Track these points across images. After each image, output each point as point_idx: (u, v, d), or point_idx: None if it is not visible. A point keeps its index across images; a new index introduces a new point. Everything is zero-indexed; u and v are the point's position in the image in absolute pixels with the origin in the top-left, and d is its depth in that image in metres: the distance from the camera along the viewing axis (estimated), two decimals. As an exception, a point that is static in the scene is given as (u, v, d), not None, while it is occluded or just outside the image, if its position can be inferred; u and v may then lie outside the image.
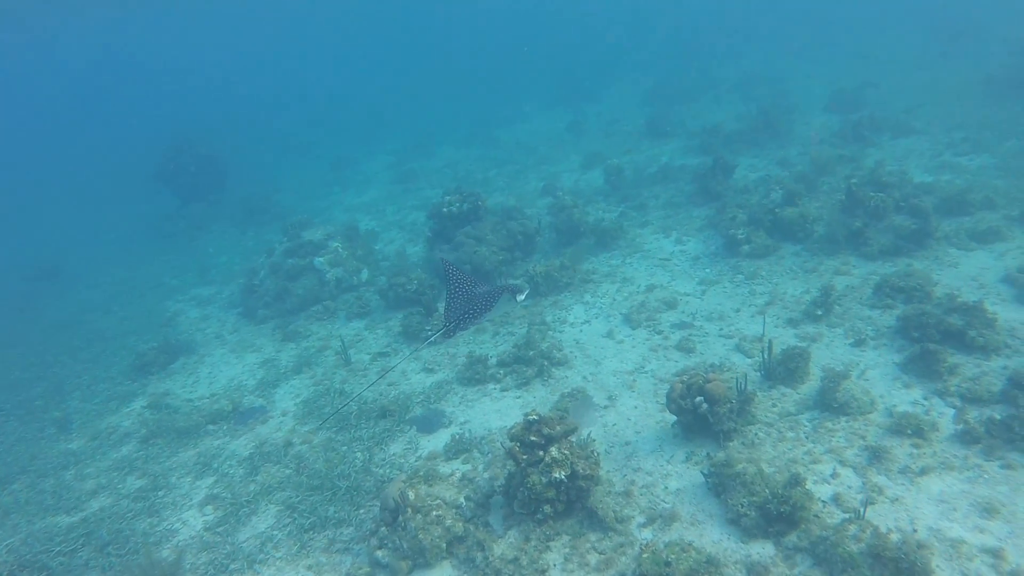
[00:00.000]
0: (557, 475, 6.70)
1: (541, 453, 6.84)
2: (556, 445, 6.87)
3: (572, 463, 6.76)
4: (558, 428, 7.07)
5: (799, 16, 33.26)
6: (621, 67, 32.61)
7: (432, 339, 7.88)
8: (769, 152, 16.82)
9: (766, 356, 8.44)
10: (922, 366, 8.02)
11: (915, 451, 6.83)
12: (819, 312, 9.54)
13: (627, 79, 30.20)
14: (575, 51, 38.00)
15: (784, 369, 8.38)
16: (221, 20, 46.91)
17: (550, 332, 10.86)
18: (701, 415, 7.46)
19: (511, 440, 6.94)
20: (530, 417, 7.12)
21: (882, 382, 8.08)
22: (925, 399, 7.64)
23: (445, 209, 13.52)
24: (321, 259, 14.02)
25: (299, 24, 63.83)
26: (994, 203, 11.49)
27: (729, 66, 28.13)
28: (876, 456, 6.83)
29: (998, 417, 6.95)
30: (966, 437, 6.82)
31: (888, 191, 12.02)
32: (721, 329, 9.94)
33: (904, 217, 11.07)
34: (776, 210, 12.10)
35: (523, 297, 7.37)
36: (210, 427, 10.30)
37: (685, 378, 7.75)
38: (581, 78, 30.08)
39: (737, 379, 8.06)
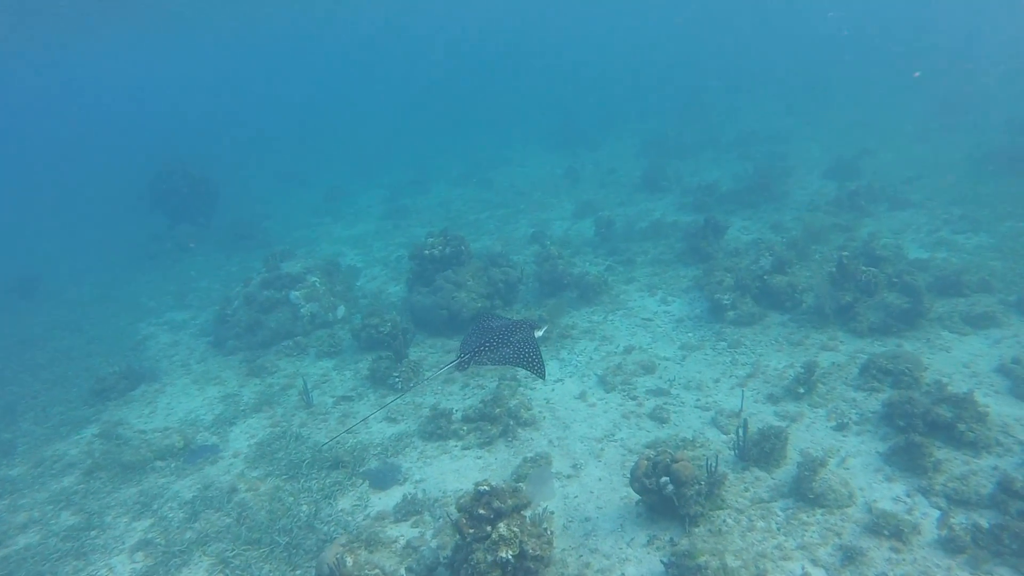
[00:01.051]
0: (504, 554, 6.14)
1: (489, 528, 6.31)
2: (506, 521, 6.33)
3: (521, 542, 6.22)
4: (509, 502, 6.55)
5: (803, 77, 33.62)
6: (622, 116, 32.82)
7: (442, 370, 7.51)
8: (763, 215, 16.59)
9: (741, 435, 7.95)
10: (906, 459, 7.51)
11: (894, 556, 6.28)
12: (801, 390, 9.08)
13: (627, 128, 30.26)
14: (578, 96, 38.50)
15: (759, 450, 7.88)
16: (226, 47, 47.83)
17: (520, 388, 10.38)
18: (666, 497, 6.95)
19: (458, 511, 6.43)
20: (481, 487, 6.61)
21: (863, 473, 7.56)
22: (908, 496, 7.11)
23: (427, 251, 13.21)
24: (297, 293, 13.64)
25: (304, 52, 65.19)
26: (990, 286, 11.13)
27: (730, 122, 28.24)
28: (850, 557, 6.28)
29: (985, 525, 6.44)
30: (950, 545, 6.28)
31: (881, 265, 11.71)
32: (698, 399, 9.47)
33: (896, 295, 10.70)
34: (765, 277, 11.75)
35: (541, 332, 7.02)
36: (158, 463, 9.73)
37: (652, 455, 7.26)
38: (582, 124, 30.20)
39: (708, 459, 7.56)
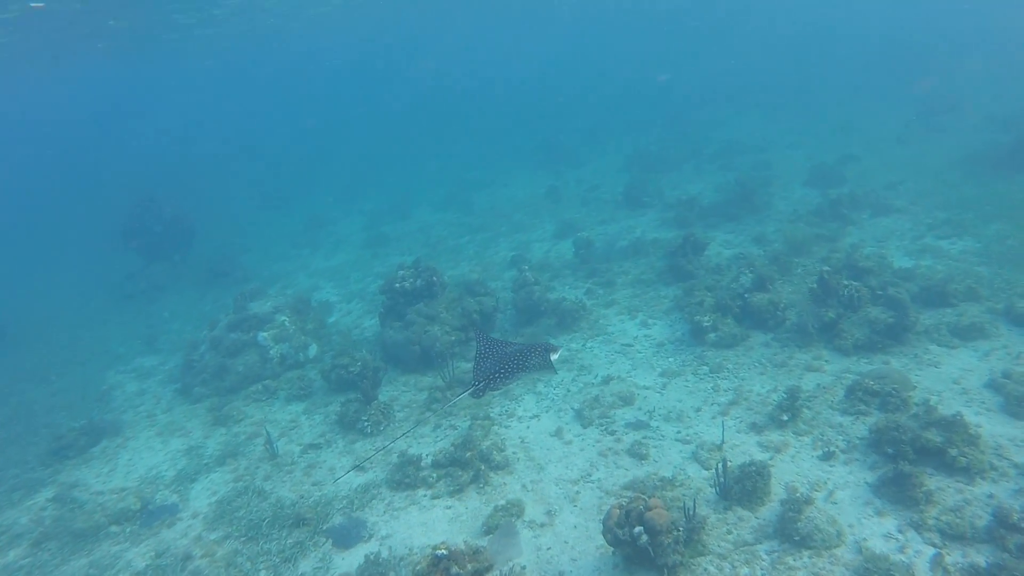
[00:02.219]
0: (464, 626, 5.69)
1: (447, 597, 5.85)
2: (465, 588, 5.88)
3: (483, 610, 5.76)
4: (469, 567, 6.09)
5: (785, 83, 33.53)
6: (607, 130, 32.47)
7: (459, 398, 7.49)
8: (746, 227, 16.20)
9: (721, 473, 7.47)
10: (896, 490, 7.05)
11: (886, 604, 5.81)
12: (785, 417, 8.61)
13: (612, 143, 29.92)
14: (562, 113, 38.26)
15: (741, 488, 7.40)
16: (208, 74, 47.49)
17: (494, 428, 9.90)
18: (641, 547, 6.46)
19: (415, 579, 5.97)
20: (438, 551, 6.15)
21: (852, 507, 7.09)
22: (900, 532, 6.64)
23: (398, 284, 12.78)
24: (265, 334, 13.18)
25: (285, 77, 64.93)
26: (978, 294, 10.72)
27: (713, 133, 27.97)
28: (841, 609, 5.82)
29: (983, 563, 5.97)
30: (946, 590, 5.82)
31: (865, 278, 11.30)
32: (679, 432, 8.99)
33: (881, 309, 10.28)
34: (745, 295, 11.34)
35: (556, 356, 6.82)
36: (112, 528, 9.20)
37: (624, 502, 6.78)
38: (566, 141, 29.87)
39: (685, 503, 7.09)
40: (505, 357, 6.79)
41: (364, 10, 34.09)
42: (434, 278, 12.91)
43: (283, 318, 13.56)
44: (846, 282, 10.57)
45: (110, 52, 29.79)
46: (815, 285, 10.61)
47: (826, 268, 10.67)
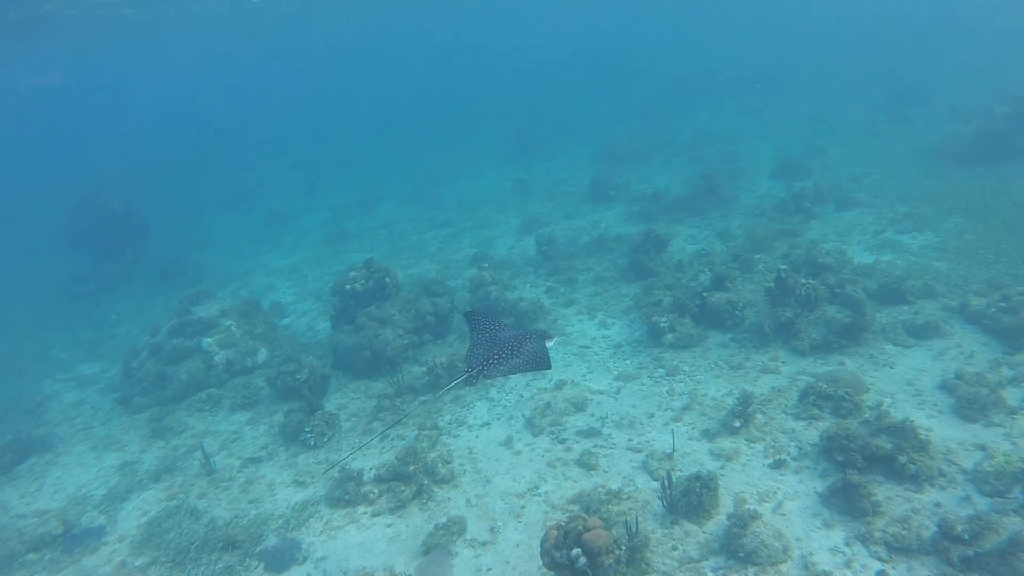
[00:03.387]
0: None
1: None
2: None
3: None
4: (393, 599, 5.71)
5: (756, 73, 33.33)
6: (580, 121, 31.94)
7: (451, 386, 6.95)
8: (711, 221, 15.96)
9: (667, 486, 7.19)
10: (844, 501, 6.83)
11: (830, 625, 5.58)
12: (737, 424, 8.36)
13: (584, 134, 29.35)
14: (535, 103, 37.55)
15: (688, 501, 7.13)
16: (173, 64, 45.73)
17: (442, 438, 9.52)
18: (580, 570, 6.14)
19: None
20: (361, 583, 5.77)
21: (800, 519, 6.86)
22: (847, 545, 6.43)
23: (348, 286, 12.29)
24: (209, 339, 12.59)
25: (253, 69, 63.05)
26: (934, 291, 10.58)
27: (685, 123, 27.62)
28: (784, 631, 5.57)
29: (928, 579, 5.78)
30: (890, 609, 5.60)
31: (824, 275, 11.10)
32: (630, 439, 8.70)
33: (837, 308, 10.07)
34: (704, 294, 11.07)
35: (552, 343, 6.48)
36: (30, 556, 8.63)
37: (563, 522, 6.44)
38: (537, 132, 29.28)
39: (628, 520, 6.79)
40: (499, 342, 6.46)
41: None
42: (386, 279, 12.44)
43: (229, 322, 12.97)
44: (803, 281, 10.34)
45: (61, 42, 28.50)
46: (772, 284, 10.37)
47: (783, 267, 10.43)
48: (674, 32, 57.53)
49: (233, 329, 12.91)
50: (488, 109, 39.06)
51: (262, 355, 13.01)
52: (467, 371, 6.32)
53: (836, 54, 35.14)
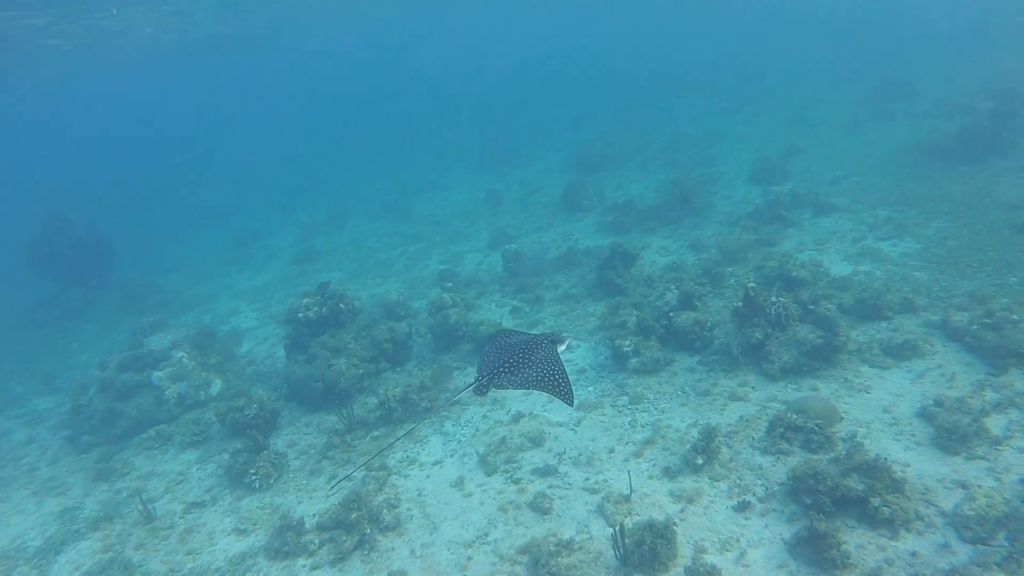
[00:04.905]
0: None
1: None
2: None
3: None
4: None
5: (740, 72, 32.71)
6: (556, 126, 31.17)
7: (459, 395, 6.92)
8: (685, 231, 15.36)
9: (619, 536, 6.61)
10: (812, 552, 6.23)
11: None
12: (700, 461, 7.77)
13: (560, 140, 28.62)
14: (509, 109, 36.77)
15: (641, 553, 6.55)
16: (142, 81, 44.85)
17: (392, 478, 8.93)
18: (517, 642, 5.57)
19: None
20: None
21: (764, 571, 6.27)
22: (814, 603, 5.85)
23: (301, 314, 11.70)
24: (160, 373, 12.01)
25: (226, 83, 62.16)
26: (914, 305, 9.98)
27: (662, 126, 26.92)
28: None
29: (899, 647, 5.20)
30: None
31: (798, 290, 10.54)
32: (588, 478, 8.11)
33: (810, 328, 9.49)
34: (670, 314, 10.49)
35: (563, 347, 6.18)
36: (-49, 623, 8.09)
37: (500, 587, 5.89)
38: (512, 139, 28.53)
39: (573, 581, 6.21)
40: (508, 348, 6.12)
41: (301, 11, 32.43)
42: (341, 304, 11.85)
43: (181, 354, 12.38)
44: (774, 299, 9.75)
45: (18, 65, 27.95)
46: (740, 303, 9.78)
47: (751, 284, 9.84)
48: (652, 31, 56.78)
49: (185, 361, 12.32)
50: (463, 117, 38.30)
51: (216, 387, 12.42)
52: (477, 379, 5.97)
53: (818, 48, 34.46)
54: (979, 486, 6.66)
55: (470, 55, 65.38)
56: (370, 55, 66.89)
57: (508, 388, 5.86)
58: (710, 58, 37.00)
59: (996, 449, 7.19)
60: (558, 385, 5.76)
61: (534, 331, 12.19)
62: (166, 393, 11.95)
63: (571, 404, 5.79)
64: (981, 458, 7.11)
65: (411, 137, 37.21)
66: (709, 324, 10.28)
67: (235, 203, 30.78)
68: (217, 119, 64.92)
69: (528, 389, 5.91)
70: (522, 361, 5.89)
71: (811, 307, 9.86)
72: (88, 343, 17.44)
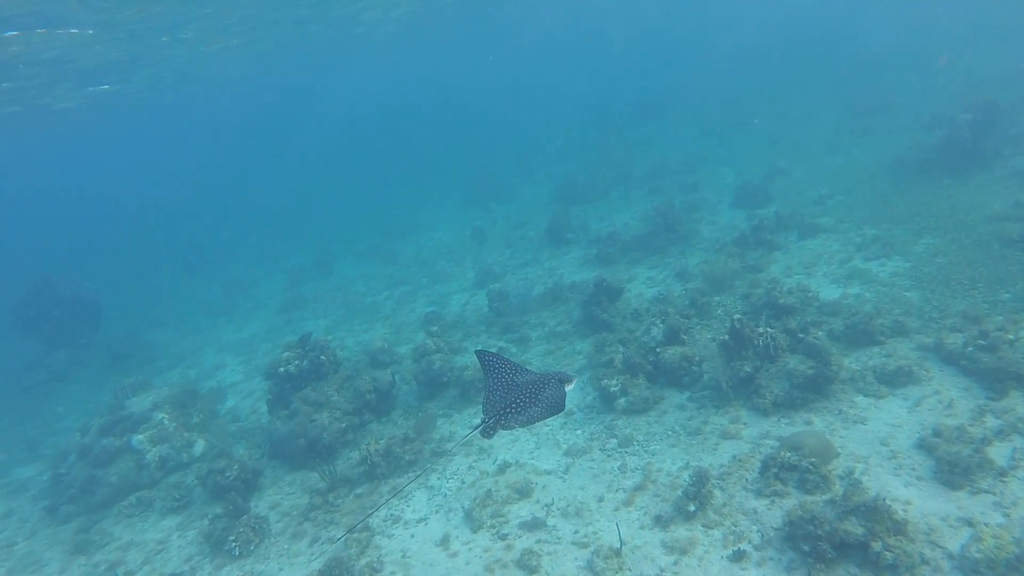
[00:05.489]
0: None
1: None
2: None
3: None
4: None
5: (712, 93, 32.91)
6: (539, 159, 31.28)
7: (468, 436, 6.74)
8: (670, 260, 15.16)
9: (608, 599, 6.24)
10: (812, 605, 5.89)
11: None
12: (692, 507, 7.42)
13: (544, 172, 28.67)
14: (492, 144, 36.84)
15: (633, 617, 6.18)
16: (125, 129, 44.91)
17: (375, 539, 8.56)
18: None
19: None
20: None
21: (764, 628, 5.90)
22: (818, 664, 5.46)
23: (282, 369, 11.44)
24: (140, 436, 11.69)
25: (211, 124, 62.29)
26: (906, 328, 9.72)
27: (643, 153, 26.86)
28: None
29: None
30: None
31: (786, 318, 10.29)
32: (576, 531, 7.74)
33: (800, 358, 9.21)
34: (657, 350, 10.23)
35: (571, 387, 6.06)
36: None
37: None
38: (496, 174, 28.48)
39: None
40: (516, 388, 5.98)
41: (279, 49, 32.58)
42: (323, 356, 11.60)
43: (161, 415, 12.08)
44: (761, 330, 9.49)
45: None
46: (727, 336, 9.52)
47: (737, 316, 9.60)
48: (631, 58, 57.42)
49: (166, 423, 12.00)
50: (444, 155, 38.43)
51: (199, 447, 12.08)
52: (483, 420, 5.78)
53: (797, 69, 34.75)
54: (986, 524, 6.32)
55: (455, 91, 66.19)
56: (353, 98, 67.60)
57: (515, 428, 5.73)
58: (690, 83, 37.32)
59: (1002, 481, 6.85)
60: (558, 407, 5.69)
61: (521, 372, 11.93)
62: (147, 457, 11.61)
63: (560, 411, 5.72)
64: (986, 491, 6.76)
65: (398, 177, 37.33)
66: (697, 358, 10.00)
67: (223, 253, 30.66)
68: (201, 168, 65.33)
69: (532, 423, 5.82)
70: (529, 400, 5.76)
71: (800, 335, 9.61)
72: (74, 406, 17.11)
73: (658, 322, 10.61)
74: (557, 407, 5.66)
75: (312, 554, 8.73)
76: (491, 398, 6.03)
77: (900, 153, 18.02)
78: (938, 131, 17.78)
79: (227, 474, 10.31)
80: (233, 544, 9.06)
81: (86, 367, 19.19)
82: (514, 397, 5.79)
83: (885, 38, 35.87)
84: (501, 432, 10.35)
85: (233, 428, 12.97)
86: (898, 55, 31.31)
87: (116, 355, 18.58)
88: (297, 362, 11.47)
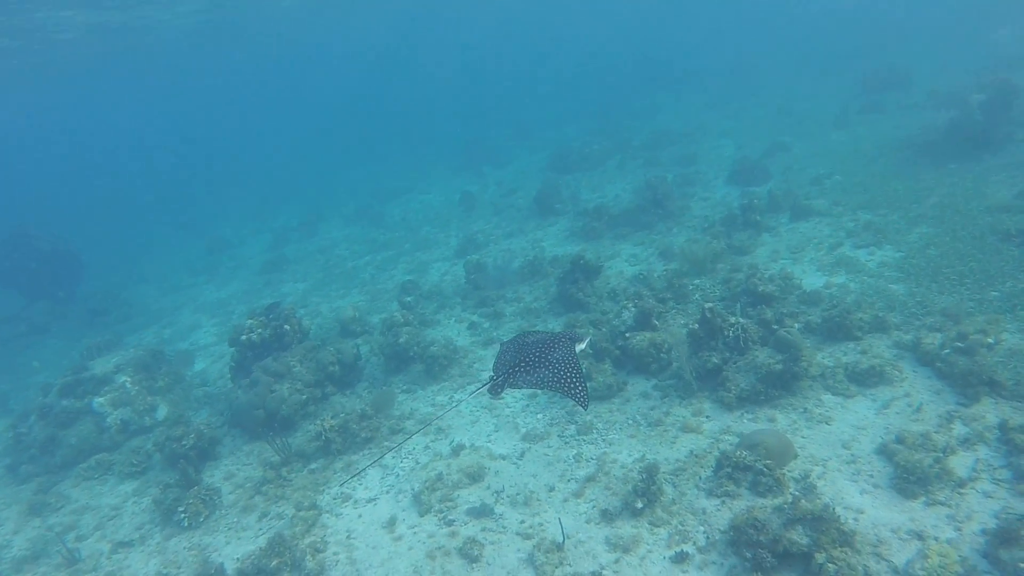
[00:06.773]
0: None
1: None
2: None
3: None
4: None
5: (729, 62, 31.65)
6: (537, 124, 30.28)
7: (475, 392, 6.90)
8: (656, 237, 14.66)
9: (540, 599, 6.06)
10: (747, 616, 5.69)
11: None
12: (640, 504, 7.20)
13: (542, 138, 27.84)
14: (490, 106, 35.87)
15: (565, 618, 6.01)
16: (123, 88, 44.06)
17: (323, 518, 8.42)
18: None
19: None
20: None
21: (695, 636, 5.72)
22: None
23: (244, 337, 11.19)
24: (101, 399, 11.55)
25: (201, 88, 60.78)
26: (885, 324, 9.32)
27: (644, 122, 25.95)
28: None
29: None
30: None
31: (763, 307, 9.88)
32: (523, 521, 7.55)
33: (770, 352, 8.85)
34: (627, 335, 9.88)
35: (583, 346, 6.12)
36: None
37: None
38: (492, 138, 27.76)
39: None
40: (525, 347, 5.99)
41: (272, 13, 31.56)
42: (286, 326, 11.33)
43: (124, 378, 11.91)
44: (732, 320, 9.12)
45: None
46: (696, 325, 9.15)
47: (709, 305, 9.19)
48: (638, 23, 55.34)
49: (128, 386, 11.84)
50: (441, 117, 37.43)
51: (161, 412, 11.95)
52: (492, 378, 5.77)
53: (813, 37, 33.36)
54: (936, 538, 6.06)
55: (455, 52, 64.25)
56: (352, 56, 65.78)
57: (523, 388, 5.75)
58: (699, 50, 35.95)
59: (959, 493, 6.57)
60: (573, 387, 5.61)
61: (487, 351, 11.65)
62: (108, 420, 11.50)
63: (585, 407, 5.65)
64: (942, 503, 6.48)
65: (393, 139, 36.42)
66: (666, 346, 9.67)
67: (212, 210, 30.21)
68: (195, 125, 64.15)
69: (543, 390, 5.87)
70: (539, 360, 5.71)
71: (775, 327, 9.23)
72: (49, 361, 17.03)
73: (630, 305, 10.23)
74: (574, 389, 5.53)
75: (260, 529, 8.61)
76: (502, 357, 6.04)
77: (908, 133, 17.27)
78: (950, 111, 16.96)
79: (183, 442, 10.17)
80: (183, 515, 8.97)
81: (66, 320, 19.04)
82: (523, 356, 5.76)
83: (910, 8, 34.32)
84: (463, 409, 10.19)
85: (199, 393, 12.82)
86: (923, 28, 29.93)
87: (94, 311, 18.41)
88: (260, 331, 11.20)
